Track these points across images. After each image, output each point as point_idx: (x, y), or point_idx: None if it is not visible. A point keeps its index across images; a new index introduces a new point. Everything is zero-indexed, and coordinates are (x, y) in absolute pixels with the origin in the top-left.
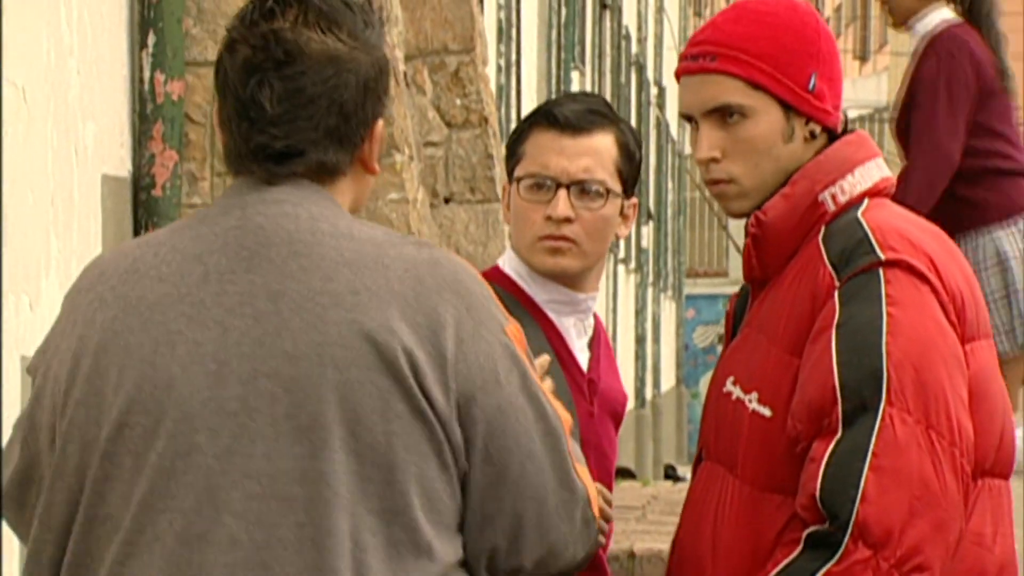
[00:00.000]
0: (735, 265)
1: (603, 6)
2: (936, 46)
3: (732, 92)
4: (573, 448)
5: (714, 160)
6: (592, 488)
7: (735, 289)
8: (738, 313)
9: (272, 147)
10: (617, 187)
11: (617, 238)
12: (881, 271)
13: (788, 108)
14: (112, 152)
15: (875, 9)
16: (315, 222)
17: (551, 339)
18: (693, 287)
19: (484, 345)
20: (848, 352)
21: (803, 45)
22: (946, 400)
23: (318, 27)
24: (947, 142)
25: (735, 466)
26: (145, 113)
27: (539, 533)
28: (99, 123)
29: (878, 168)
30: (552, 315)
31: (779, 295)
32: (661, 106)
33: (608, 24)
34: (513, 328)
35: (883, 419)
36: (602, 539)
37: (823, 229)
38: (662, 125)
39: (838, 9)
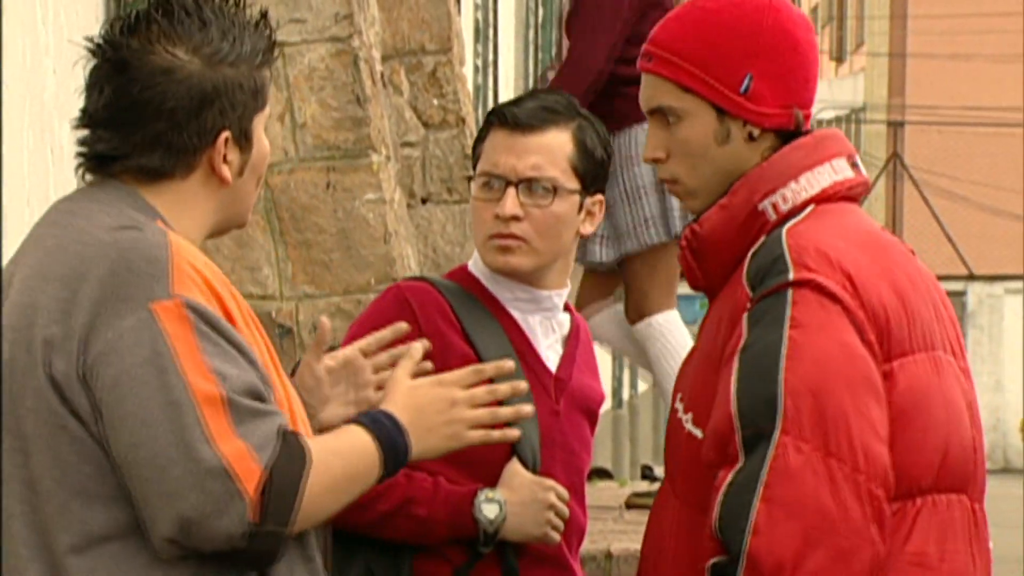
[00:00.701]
0: None
1: None
2: None
3: (664, 94)
4: (232, 422)
5: (658, 160)
6: (247, 460)
7: None
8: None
9: (95, 149)
10: (571, 184)
11: (581, 236)
12: (790, 292)
13: (721, 111)
14: None
15: (852, 10)
16: (71, 216)
17: (512, 338)
18: None
19: (115, 319)
20: (747, 378)
21: (739, 44)
22: (847, 425)
23: (162, 41)
24: (595, 59)
25: (677, 486)
26: None
27: (167, 502)
28: None
29: (831, 172)
30: (517, 313)
31: (715, 311)
32: None
33: None
34: (171, 304)
35: (776, 448)
36: (555, 535)
37: (763, 239)
38: None
39: (814, 9)
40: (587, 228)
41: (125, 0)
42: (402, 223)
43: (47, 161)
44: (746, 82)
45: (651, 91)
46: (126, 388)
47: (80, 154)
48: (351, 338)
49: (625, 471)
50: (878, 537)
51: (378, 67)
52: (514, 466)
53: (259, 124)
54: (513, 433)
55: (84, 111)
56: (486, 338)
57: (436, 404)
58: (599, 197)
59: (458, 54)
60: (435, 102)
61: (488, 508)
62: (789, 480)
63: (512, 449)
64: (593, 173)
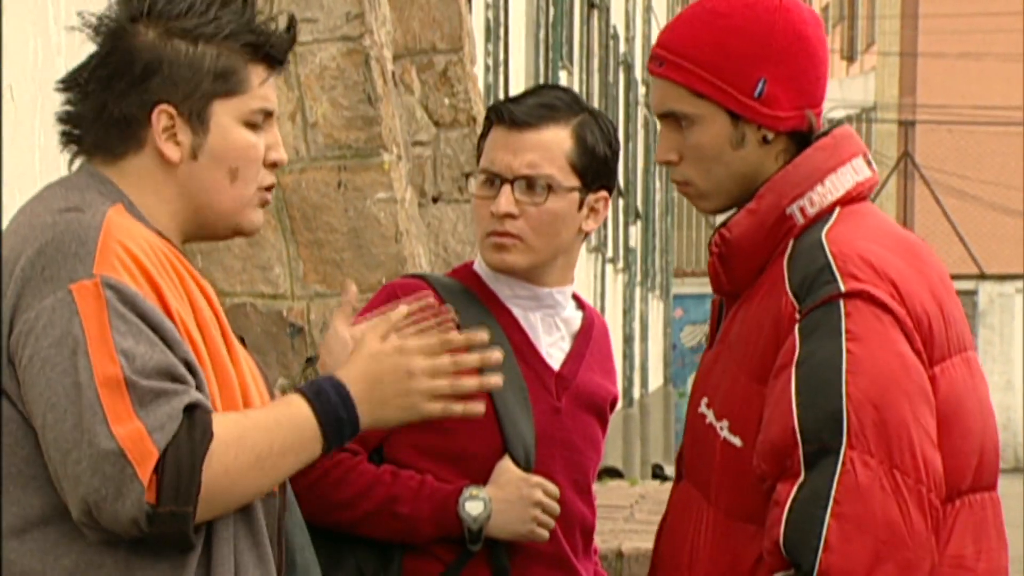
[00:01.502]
0: None
1: (591, 5)
2: None
3: (676, 99)
4: (132, 403)
5: (670, 163)
6: (143, 442)
7: None
8: (720, 318)
9: (63, 117)
10: (569, 182)
11: (585, 233)
12: (842, 303)
13: (735, 115)
14: None
15: (863, 9)
16: (36, 200)
17: (510, 334)
18: (681, 286)
19: (36, 299)
20: (807, 392)
21: (752, 48)
22: (910, 437)
23: (134, 11)
24: None
25: (709, 493)
26: None
27: (71, 485)
28: None
29: (853, 172)
30: (517, 310)
31: (748, 315)
32: (649, 105)
33: (596, 23)
34: (90, 284)
35: (844, 463)
36: (543, 532)
37: (791, 244)
38: (650, 124)
39: (825, 9)
40: (590, 225)
41: None
42: (413, 222)
43: (58, 160)
44: (760, 86)
45: (663, 96)
46: (37, 369)
47: (61, 131)
48: None
49: (636, 470)
50: (935, 546)
51: (389, 66)
52: (504, 463)
53: (225, 110)
54: (477, 408)
55: (62, 79)
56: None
57: (393, 374)
58: (603, 194)
59: (469, 53)
60: (446, 101)
61: (472, 505)
62: (859, 496)
63: (504, 446)
64: (595, 170)
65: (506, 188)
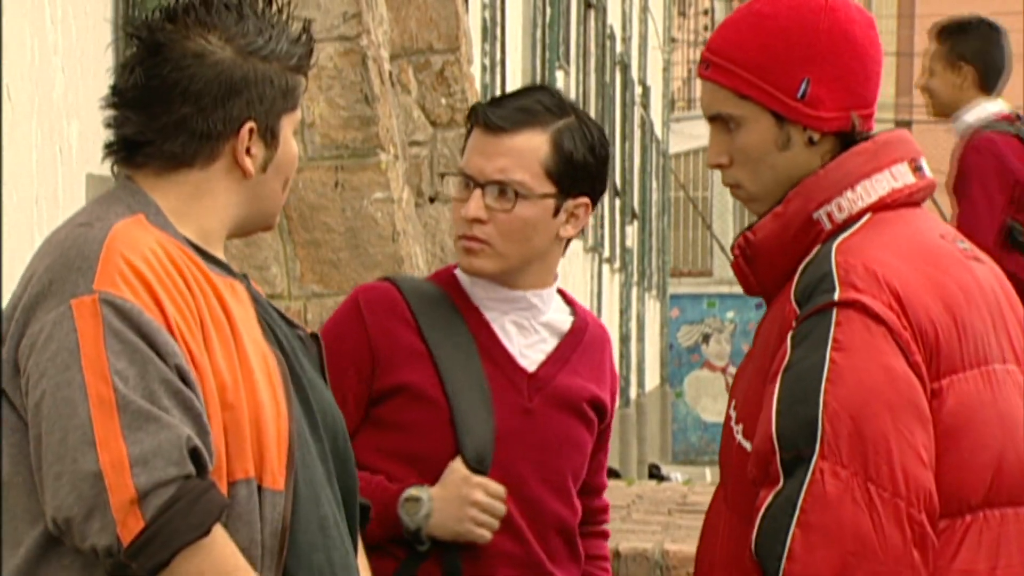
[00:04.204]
0: (719, 265)
1: (588, 5)
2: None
3: (723, 102)
4: (121, 425)
5: (721, 166)
6: (122, 472)
7: (719, 289)
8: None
9: (122, 132)
10: (543, 188)
11: (565, 239)
12: (834, 312)
13: (779, 117)
14: (97, 151)
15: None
16: (72, 216)
17: (478, 336)
18: (677, 286)
19: (43, 313)
20: (788, 400)
21: (795, 49)
22: (888, 450)
23: (197, 28)
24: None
25: (728, 495)
26: None
27: (49, 496)
28: (83, 121)
29: (890, 179)
30: (490, 313)
31: (767, 321)
32: (646, 105)
33: (593, 23)
34: (88, 300)
35: (814, 472)
36: (482, 532)
37: (816, 250)
38: (646, 124)
39: None
40: (569, 231)
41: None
42: (410, 222)
43: (56, 160)
44: (803, 87)
45: (710, 99)
46: (35, 382)
47: (110, 143)
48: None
49: (632, 470)
50: (920, 561)
51: (386, 66)
52: (453, 464)
53: (287, 125)
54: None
55: (113, 88)
56: (443, 334)
57: None
58: (583, 200)
59: (466, 53)
60: (443, 101)
61: (410, 505)
62: (826, 506)
63: (456, 447)
64: (572, 176)
65: (476, 192)
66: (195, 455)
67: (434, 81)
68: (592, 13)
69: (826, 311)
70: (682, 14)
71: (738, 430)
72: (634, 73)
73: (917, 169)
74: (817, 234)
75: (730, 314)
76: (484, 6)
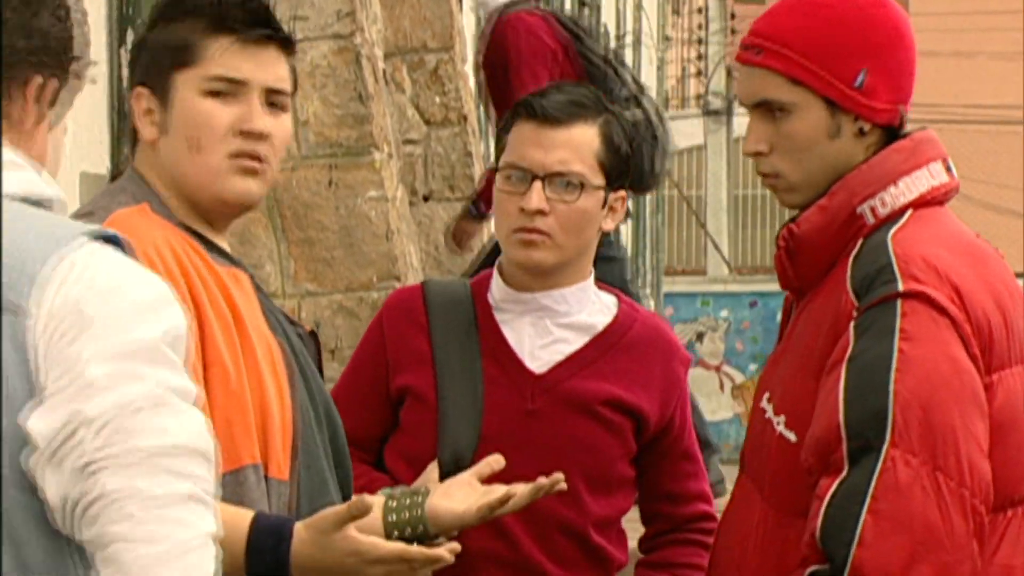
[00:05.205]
0: (713, 263)
1: (582, 3)
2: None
3: (774, 88)
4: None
5: (760, 154)
6: None
7: (713, 288)
8: (789, 315)
9: None
10: (597, 180)
11: (604, 232)
12: (899, 303)
13: (833, 105)
14: (91, 149)
15: None
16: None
17: (485, 338)
18: (671, 285)
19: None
20: (856, 389)
21: (854, 39)
22: (955, 441)
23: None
24: None
25: (763, 487)
26: (124, 111)
27: None
28: (78, 121)
29: (928, 176)
30: (504, 315)
31: (811, 313)
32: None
33: (586, 21)
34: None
35: (885, 461)
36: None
37: (859, 244)
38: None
39: None
40: (608, 224)
41: None
42: (404, 221)
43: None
44: (861, 77)
45: (758, 84)
46: None
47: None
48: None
49: None
50: (977, 552)
51: (380, 65)
52: (428, 466)
53: (181, 82)
54: None
55: None
56: (451, 337)
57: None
58: (621, 193)
59: (460, 52)
60: (437, 100)
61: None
62: (897, 494)
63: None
64: (618, 169)
65: (537, 184)
66: None
67: (428, 80)
68: (586, 11)
69: (890, 301)
70: (676, 12)
71: (779, 422)
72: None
73: (947, 169)
74: (859, 228)
75: (724, 313)
76: (478, 4)
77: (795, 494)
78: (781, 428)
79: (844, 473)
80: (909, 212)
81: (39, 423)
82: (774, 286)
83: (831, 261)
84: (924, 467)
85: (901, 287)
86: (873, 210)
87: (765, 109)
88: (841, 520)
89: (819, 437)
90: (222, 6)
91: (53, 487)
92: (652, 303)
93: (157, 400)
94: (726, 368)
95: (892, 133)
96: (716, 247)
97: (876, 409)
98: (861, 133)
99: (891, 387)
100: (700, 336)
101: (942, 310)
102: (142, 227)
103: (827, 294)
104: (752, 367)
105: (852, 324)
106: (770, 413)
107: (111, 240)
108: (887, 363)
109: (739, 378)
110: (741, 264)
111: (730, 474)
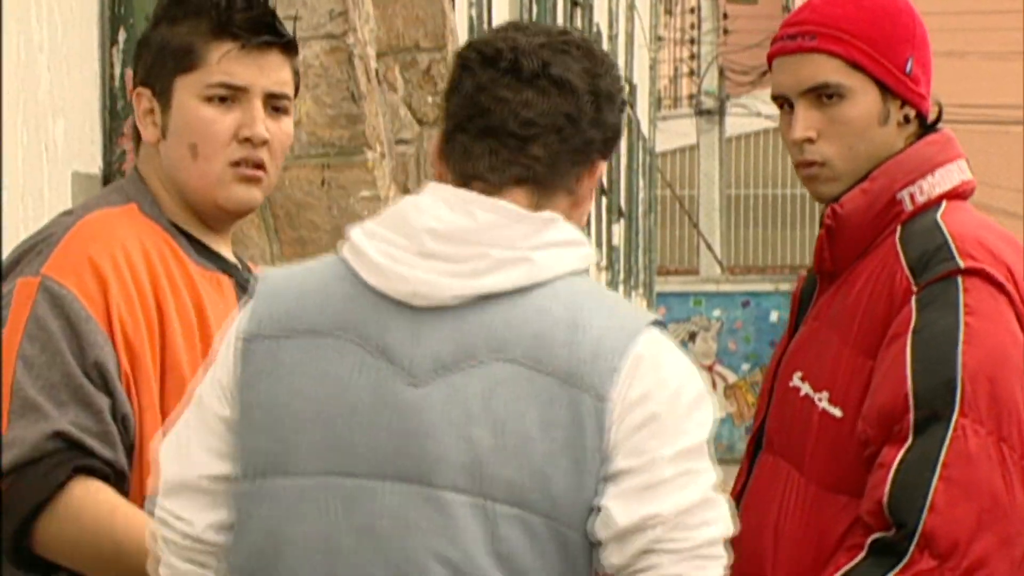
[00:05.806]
0: (705, 263)
1: (574, 4)
2: None
3: (831, 71)
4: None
5: (809, 140)
6: None
7: (705, 287)
8: (804, 300)
9: None
10: None
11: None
12: (960, 279)
13: (885, 90)
14: (83, 149)
15: None
16: None
17: None
18: (664, 285)
19: (5, 284)
20: (923, 360)
21: (900, 29)
22: (1018, 413)
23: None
24: None
25: (802, 464)
26: (116, 110)
27: None
28: (69, 119)
29: (959, 171)
30: None
31: (852, 293)
32: (632, 104)
33: (579, 21)
34: (32, 281)
35: (955, 429)
36: None
37: (900, 229)
38: (633, 123)
39: None
40: None
41: None
42: None
43: (41, 157)
44: (909, 64)
45: (814, 69)
46: None
47: None
48: None
49: None
50: None
51: (373, 64)
52: None
53: (182, 87)
54: None
55: None
56: None
57: None
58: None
59: (453, 51)
60: (430, 99)
61: None
62: (968, 462)
63: None
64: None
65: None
66: (72, 444)
67: (421, 79)
68: (578, 11)
69: (951, 278)
70: (668, 12)
71: (820, 398)
72: (620, 71)
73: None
74: (897, 214)
75: (716, 312)
76: (470, 4)
77: (839, 468)
78: (824, 404)
79: (909, 442)
80: (944, 203)
81: (616, 506)
82: (766, 286)
83: (868, 243)
84: (990, 437)
85: (961, 264)
86: (912, 196)
87: (815, 96)
88: (912, 487)
89: (882, 407)
90: (225, 9)
91: (613, 556)
92: (644, 303)
93: (706, 498)
94: (719, 368)
95: (927, 126)
96: (708, 247)
97: (945, 379)
98: (905, 121)
99: (959, 359)
100: (692, 336)
101: (1000, 286)
102: (114, 228)
103: (871, 276)
104: (744, 367)
105: (913, 299)
106: (806, 391)
107: (658, 324)
108: (954, 336)
109: (732, 378)
110: (733, 264)
111: (726, 473)
